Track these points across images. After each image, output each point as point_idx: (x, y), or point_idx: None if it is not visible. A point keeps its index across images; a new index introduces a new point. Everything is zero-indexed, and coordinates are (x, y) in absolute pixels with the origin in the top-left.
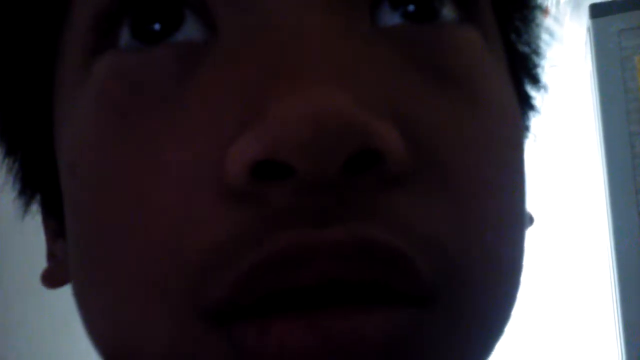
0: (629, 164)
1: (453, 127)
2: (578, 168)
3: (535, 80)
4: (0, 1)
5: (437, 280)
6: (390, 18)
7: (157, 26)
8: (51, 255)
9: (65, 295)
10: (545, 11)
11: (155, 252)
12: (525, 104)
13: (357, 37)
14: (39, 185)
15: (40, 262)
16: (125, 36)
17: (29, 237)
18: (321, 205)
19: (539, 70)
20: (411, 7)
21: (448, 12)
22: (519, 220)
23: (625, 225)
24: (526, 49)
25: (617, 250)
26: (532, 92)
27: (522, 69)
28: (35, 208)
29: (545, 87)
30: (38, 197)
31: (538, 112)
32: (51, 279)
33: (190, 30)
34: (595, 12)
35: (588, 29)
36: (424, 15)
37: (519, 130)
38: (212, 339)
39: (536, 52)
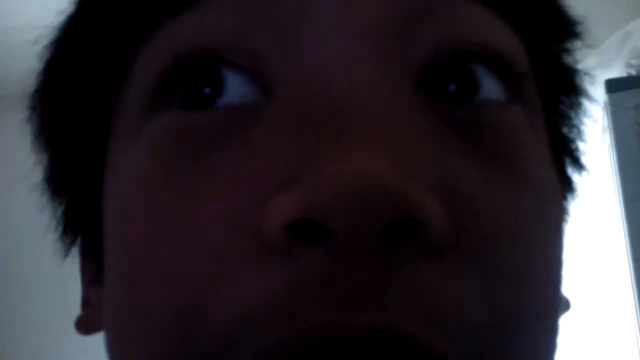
0: None
1: (496, 205)
2: (600, 243)
3: (577, 163)
4: (72, 56)
5: None
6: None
7: (207, 90)
8: (85, 301)
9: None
10: (589, 97)
11: (183, 305)
12: (566, 187)
13: (405, 106)
14: (81, 227)
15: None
16: (179, 98)
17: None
18: (353, 279)
19: (580, 153)
20: (452, 87)
21: (492, 92)
22: (552, 308)
23: None
24: (569, 132)
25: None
26: (573, 174)
27: (564, 151)
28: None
29: (586, 170)
30: (79, 240)
31: (578, 195)
32: (85, 325)
33: (243, 92)
34: (611, 87)
35: (604, 104)
36: (465, 94)
37: (561, 212)
38: None
39: (579, 135)
